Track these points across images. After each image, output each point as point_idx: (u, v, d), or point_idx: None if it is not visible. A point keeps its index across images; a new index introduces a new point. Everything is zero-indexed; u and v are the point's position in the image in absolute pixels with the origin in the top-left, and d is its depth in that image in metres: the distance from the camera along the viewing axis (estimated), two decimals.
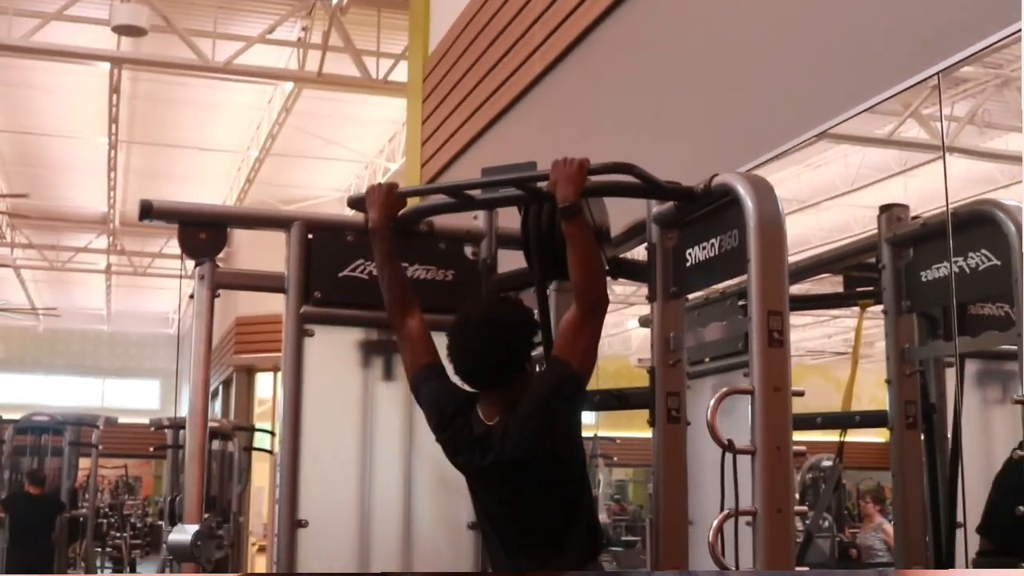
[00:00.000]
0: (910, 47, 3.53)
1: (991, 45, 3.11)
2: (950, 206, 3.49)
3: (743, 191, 2.93)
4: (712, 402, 2.78)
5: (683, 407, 3.33)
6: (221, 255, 3.66)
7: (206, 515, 3.54)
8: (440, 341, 3.29)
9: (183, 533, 3.41)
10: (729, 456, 2.77)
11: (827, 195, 7.19)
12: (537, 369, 3.28)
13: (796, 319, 2.88)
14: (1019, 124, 3.66)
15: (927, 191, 4.12)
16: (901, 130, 4.33)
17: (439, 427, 3.25)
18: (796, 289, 4.56)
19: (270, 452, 14.20)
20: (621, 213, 3.55)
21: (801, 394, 2.89)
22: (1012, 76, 3.58)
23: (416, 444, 3.73)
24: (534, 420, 3.06)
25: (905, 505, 3.84)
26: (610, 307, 3.21)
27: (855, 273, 4.51)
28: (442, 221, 3.81)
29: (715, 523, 2.78)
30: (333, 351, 3.72)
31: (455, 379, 3.27)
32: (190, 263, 3.69)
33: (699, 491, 3.37)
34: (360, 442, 3.73)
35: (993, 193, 3.86)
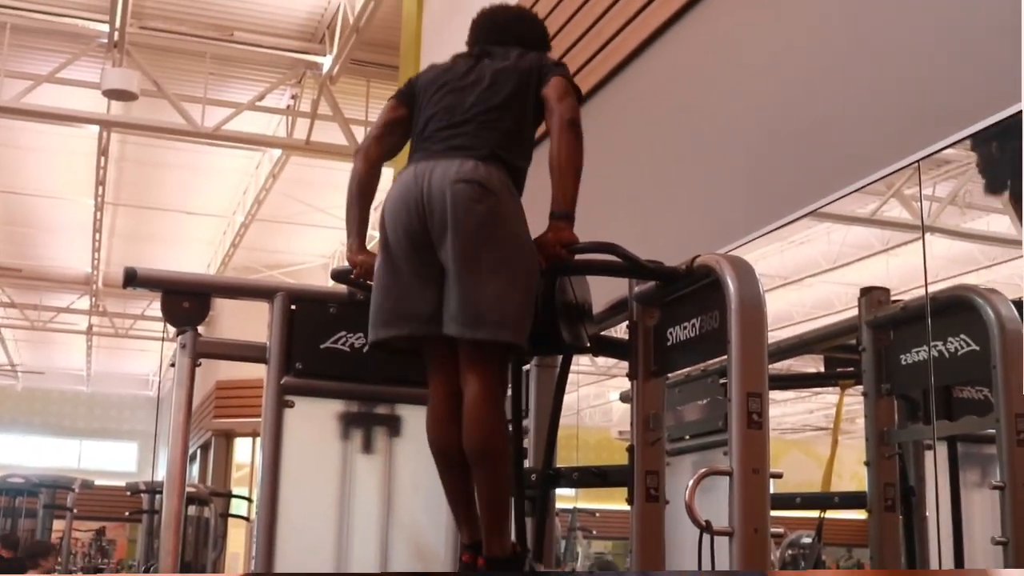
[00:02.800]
0: (893, 133, 3.58)
1: (973, 134, 3.16)
2: (930, 287, 3.52)
3: (724, 273, 2.95)
4: (690, 483, 2.78)
5: (662, 486, 3.32)
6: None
7: None
8: (416, 414, 3.27)
9: None
10: (707, 537, 2.77)
11: (810, 272, 7.23)
12: None
13: (777, 395, 2.89)
14: (999, 205, 3.70)
15: (909, 270, 4.16)
16: (884, 209, 4.38)
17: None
18: (778, 367, 4.58)
19: (247, 519, 14.07)
20: (603, 291, 3.57)
21: (779, 476, 2.89)
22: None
23: (394, 517, 3.71)
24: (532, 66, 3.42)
25: None
26: (592, 379, 3.22)
27: (836, 354, 4.53)
28: None
29: None
30: (313, 422, 3.71)
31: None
32: (172, 328, 3.69)
33: (676, 569, 3.36)
34: (338, 514, 3.72)
35: (973, 274, 3.90)
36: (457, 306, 3.06)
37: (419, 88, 3.50)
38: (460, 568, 3.16)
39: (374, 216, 3.55)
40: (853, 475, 4.49)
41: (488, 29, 3.64)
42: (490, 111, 3.32)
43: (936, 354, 3.58)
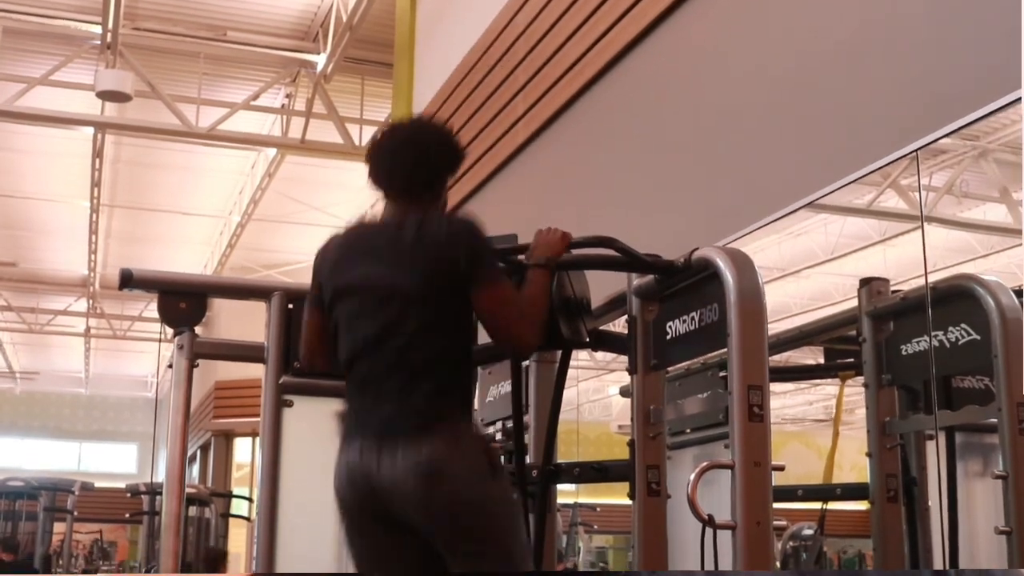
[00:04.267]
0: (890, 123, 3.57)
1: (973, 121, 3.15)
2: (929, 277, 3.51)
3: (723, 266, 2.95)
4: (692, 477, 2.77)
5: (663, 480, 3.31)
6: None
7: None
8: None
9: None
10: (709, 530, 2.76)
11: (807, 263, 7.23)
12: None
13: (777, 387, 2.88)
14: (996, 194, 3.70)
15: (906, 260, 4.15)
16: (880, 200, 4.37)
17: (324, 253, 3.14)
18: (777, 358, 4.58)
19: (247, 519, 14.07)
20: (602, 285, 3.56)
21: (781, 468, 2.88)
22: (989, 147, 3.63)
23: None
24: (445, 241, 2.91)
25: None
26: (591, 374, 3.20)
27: (836, 345, 4.52)
28: None
29: None
30: (312, 421, 3.70)
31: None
32: (169, 329, 3.68)
33: (679, 563, 3.36)
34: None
35: (971, 263, 3.90)
36: None
37: (324, 289, 3.11)
38: None
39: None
40: (853, 466, 4.49)
41: (387, 179, 3.10)
42: (414, 350, 2.88)
43: (937, 344, 3.57)
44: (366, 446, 2.83)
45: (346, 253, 3.07)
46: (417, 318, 2.88)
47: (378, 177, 3.09)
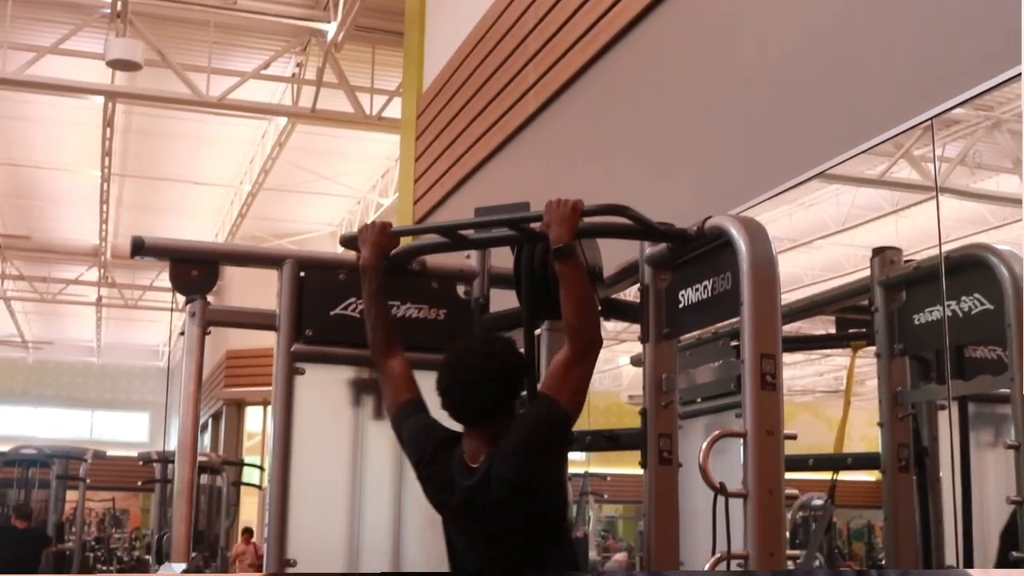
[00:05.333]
0: (904, 92, 3.55)
1: (987, 90, 3.13)
2: (943, 248, 3.50)
3: (736, 234, 2.93)
4: (704, 445, 2.77)
5: (675, 449, 3.31)
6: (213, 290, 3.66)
7: (193, 553, 3.51)
8: (427, 380, 3.26)
9: (170, 572, 3.38)
10: (721, 499, 2.76)
11: (819, 234, 7.20)
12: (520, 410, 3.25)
13: (787, 357, 2.87)
14: (1009, 165, 3.67)
15: (918, 231, 4.13)
16: (893, 170, 4.35)
17: (422, 462, 3.20)
18: (788, 328, 4.56)
19: (259, 487, 14.14)
20: (614, 254, 3.55)
21: (794, 437, 2.88)
22: (1003, 118, 3.59)
23: (406, 483, 3.70)
24: (520, 457, 3.00)
25: (898, 548, 3.82)
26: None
27: (847, 315, 4.50)
28: (435, 260, 3.81)
29: (707, 567, 2.76)
30: (324, 389, 3.70)
31: (438, 415, 3.25)
32: (181, 297, 3.68)
33: (690, 532, 3.36)
34: (350, 481, 3.71)
35: (984, 234, 3.87)
36: None
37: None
38: None
39: None
40: (863, 436, 4.48)
41: (455, 411, 3.19)
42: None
43: (950, 313, 3.55)
44: None
45: (441, 476, 3.16)
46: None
47: (453, 412, 3.17)
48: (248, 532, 12.78)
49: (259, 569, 12.28)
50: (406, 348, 3.39)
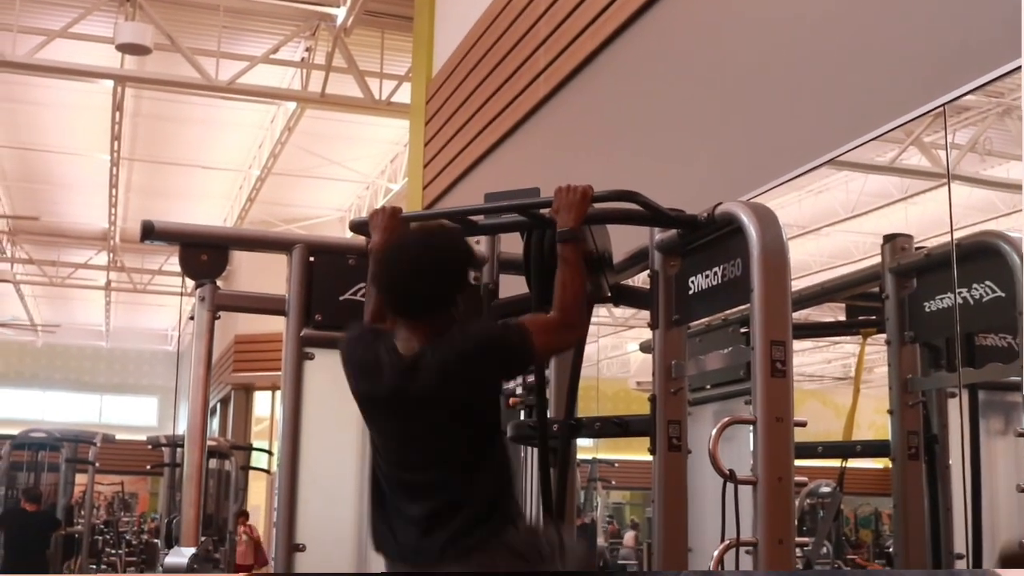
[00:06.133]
0: (916, 78, 3.53)
1: (999, 77, 3.11)
2: (954, 235, 3.48)
3: (747, 220, 2.92)
4: (714, 432, 2.77)
5: (684, 435, 3.31)
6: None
7: (203, 537, 3.52)
8: None
9: (180, 556, 3.39)
10: (730, 486, 2.76)
11: (828, 221, 7.19)
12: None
13: (795, 344, 2.87)
14: (1019, 152, 3.66)
15: (928, 218, 4.12)
16: (902, 157, 4.33)
17: (348, 349, 3.10)
18: (797, 315, 4.56)
19: (267, 471, 14.17)
20: (623, 240, 3.54)
21: (803, 424, 2.87)
22: (1013, 104, 3.58)
23: None
24: (464, 353, 2.87)
25: (906, 536, 3.82)
26: (610, 330, 3.19)
27: (858, 302, 4.50)
28: None
29: (716, 553, 2.76)
30: (333, 374, 3.70)
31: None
32: (190, 282, 3.69)
33: (699, 518, 3.36)
34: (359, 466, 3.71)
35: (994, 221, 3.86)
36: None
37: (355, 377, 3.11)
38: None
39: None
40: (871, 424, 4.48)
41: (392, 304, 3.04)
42: (443, 468, 2.93)
43: (961, 301, 3.54)
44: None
45: (373, 383, 3.01)
46: (443, 459, 2.92)
47: (390, 304, 3.04)
48: (243, 514, 12.80)
49: (255, 550, 12.35)
50: None
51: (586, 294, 3.17)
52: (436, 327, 2.91)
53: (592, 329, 3.65)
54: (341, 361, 3.13)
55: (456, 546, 2.82)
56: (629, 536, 13.06)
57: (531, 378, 3.28)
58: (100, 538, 16.27)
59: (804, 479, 2.93)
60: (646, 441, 3.38)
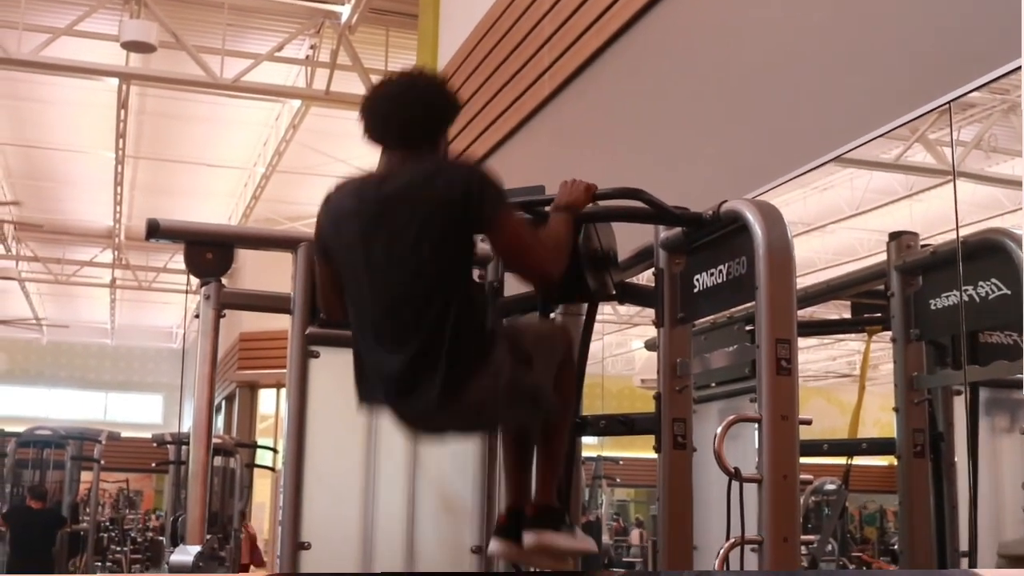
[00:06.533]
0: (921, 75, 3.52)
1: (1005, 74, 3.10)
2: (959, 232, 3.48)
3: (752, 218, 2.92)
4: (719, 430, 2.76)
5: (689, 433, 3.31)
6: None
7: (208, 536, 3.52)
8: None
9: (185, 554, 3.39)
10: (735, 483, 2.76)
11: (833, 218, 7.18)
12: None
13: (800, 342, 2.86)
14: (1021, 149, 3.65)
15: (932, 215, 4.12)
16: (907, 155, 4.33)
17: (322, 210, 3.10)
18: (802, 313, 4.56)
19: (272, 469, 14.18)
20: (628, 237, 3.54)
21: (809, 422, 2.87)
22: (1018, 102, 3.58)
23: (420, 467, 3.71)
24: (454, 177, 2.89)
25: (912, 533, 3.81)
26: (614, 327, 3.19)
27: (863, 299, 4.49)
28: None
29: (721, 552, 2.76)
30: (338, 373, 3.70)
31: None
32: (195, 279, 3.69)
33: (704, 516, 3.35)
34: (364, 465, 3.72)
35: (1000, 218, 3.86)
36: None
37: (327, 242, 3.10)
38: (495, 530, 3.17)
39: None
40: (876, 422, 4.48)
41: (382, 130, 3.07)
42: (414, 298, 2.87)
43: (967, 299, 3.54)
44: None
45: (348, 206, 3.03)
46: (421, 279, 2.87)
47: (374, 128, 3.05)
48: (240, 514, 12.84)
49: (250, 549, 12.38)
50: None
51: (566, 257, 3.11)
52: (423, 156, 2.97)
53: (597, 327, 3.65)
54: (316, 224, 3.10)
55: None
56: (635, 534, 13.08)
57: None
58: (105, 536, 16.30)
59: (809, 477, 2.93)
60: (651, 439, 3.38)
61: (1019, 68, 3.06)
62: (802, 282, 4.34)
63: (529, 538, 3.03)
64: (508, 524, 3.13)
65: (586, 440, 3.89)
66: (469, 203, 2.86)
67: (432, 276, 2.87)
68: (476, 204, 2.86)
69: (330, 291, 3.14)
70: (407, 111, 3.01)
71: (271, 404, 19.03)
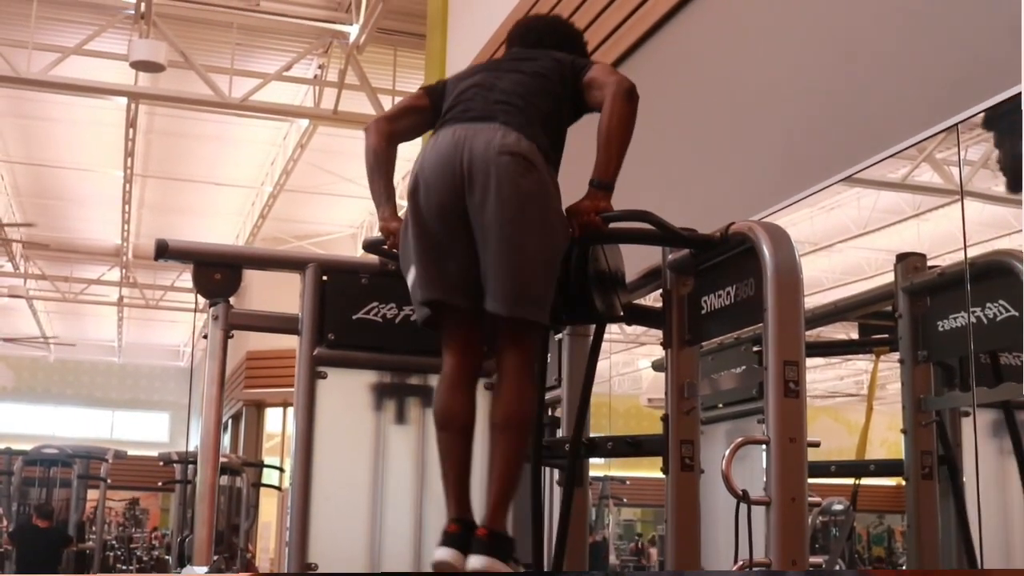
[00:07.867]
0: (930, 96, 3.53)
1: (1007, 99, 3.11)
2: (967, 253, 3.48)
3: (760, 240, 2.92)
4: (727, 452, 2.75)
5: (697, 455, 3.30)
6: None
7: (215, 557, 3.52)
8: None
9: (193, 574, 3.39)
10: (743, 506, 2.75)
11: (840, 237, 7.17)
12: None
13: (808, 361, 2.86)
14: None
15: (940, 235, 4.11)
16: (914, 174, 4.33)
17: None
18: (810, 333, 4.55)
19: (278, 488, 14.17)
20: (636, 259, 3.54)
21: (817, 444, 2.87)
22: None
23: (427, 488, 3.71)
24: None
25: (921, 557, 3.80)
26: (621, 347, 3.20)
27: (870, 320, 4.49)
28: None
29: None
30: (346, 394, 3.70)
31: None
32: (203, 299, 3.69)
33: (711, 538, 3.34)
34: (371, 486, 3.72)
35: (1007, 238, 3.85)
36: (501, 284, 3.02)
37: (449, 85, 3.45)
38: (445, 538, 3.09)
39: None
40: (883, 442, 4.46)
41: (522, 37, 3.60)
42: (528, 95, 3.27)
43: (975, 320, 3.53)
44: (459, 134, 3.22)
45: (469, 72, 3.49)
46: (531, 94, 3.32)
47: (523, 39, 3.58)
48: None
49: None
50: (431, 352, 3.35)
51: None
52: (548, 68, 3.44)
53: (604, 346, 3.65)
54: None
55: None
56: (654, 553, 13.05)
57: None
58: (111, 554, 16.29)
59: (818, 499, 2.92)
60: (658, 459, 3.37)
61: (1014, 96, 3.07)
62: (810, 301, 4.34)
63: (477, 561, 2.98)
64: (460, 534, 3.07)
65: (593, 460, 3.88)
66: (573, 65, 3.47)
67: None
68: (579, 63, 3.48)
69: (401, 114, 3.62)
70: (557, 35, 3.61)
71: (278, 423, 19.04)
